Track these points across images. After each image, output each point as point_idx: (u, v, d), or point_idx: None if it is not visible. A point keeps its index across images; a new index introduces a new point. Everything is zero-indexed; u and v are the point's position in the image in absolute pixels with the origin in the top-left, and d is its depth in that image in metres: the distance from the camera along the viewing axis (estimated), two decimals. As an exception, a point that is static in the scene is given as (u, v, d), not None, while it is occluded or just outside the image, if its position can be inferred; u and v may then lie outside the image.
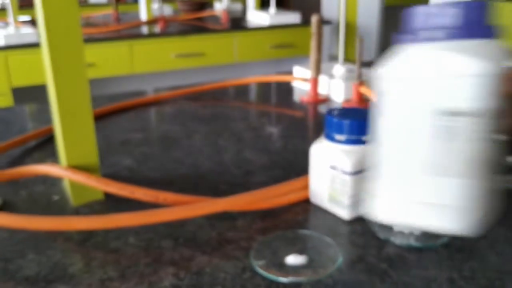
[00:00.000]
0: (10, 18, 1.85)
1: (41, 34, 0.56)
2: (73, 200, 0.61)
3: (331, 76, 1.10)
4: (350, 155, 0.54)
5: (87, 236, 0.54)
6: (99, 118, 0.96)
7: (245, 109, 1.04)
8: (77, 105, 0.57)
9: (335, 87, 1.06)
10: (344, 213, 0.55)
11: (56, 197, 0.63)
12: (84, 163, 0.60)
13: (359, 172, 0.53)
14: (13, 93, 1.86)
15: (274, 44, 2.25)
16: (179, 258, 0.50)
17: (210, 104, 1.08)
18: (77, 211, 0.59)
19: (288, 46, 2.28)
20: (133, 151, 0.78)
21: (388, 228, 0.53)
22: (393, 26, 2.88)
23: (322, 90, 1.10)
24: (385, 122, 0.39)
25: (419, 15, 0.35)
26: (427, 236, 0.52)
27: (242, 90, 1.18)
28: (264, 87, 1.22)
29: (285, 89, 1.19)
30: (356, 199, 0.55)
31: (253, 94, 1.16)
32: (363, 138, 0.54)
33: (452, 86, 0.32)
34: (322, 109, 1.02)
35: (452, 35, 0.33)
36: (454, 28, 0.33)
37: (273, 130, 0.89)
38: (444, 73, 0.33)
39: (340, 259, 0.48)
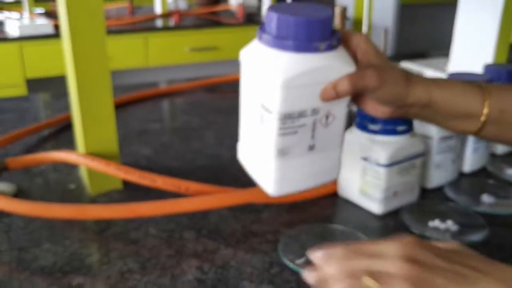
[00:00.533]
0: (26, 10, 1.84)
1: (63, 21, 0.53)
2: (90, 188, 0.58)
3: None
4: (384, 146, 0.51)
5: (105, 226, 0.51)
6: (116, 107, 0.93)
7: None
8: (98, 91, 0.55)
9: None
10: (376, 207, 0.52)
11: (72, 186, 0.61)
12: (103, 151, 0.57)
13: (394, 164, 0.50)
14: (28, 84, 1.84)
15: (290, 39, 2.22)
16: (203, 250, 0.47)
17: (228, 95, 1.05)
18: (94, 200, 0.57)
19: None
20: (151, 141, 0.76)
21: (422, 223, 0.50)
22: (409, 24, 2.83)
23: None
24: (242, 102, 0.44)
25: (270, 18, 0.38)
26: (464, 232, 0.49)
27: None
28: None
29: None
30: (390, 192, 0.52)
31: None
32: (399, 128, 0.51)
33: (264, 88, 0.39)
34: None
35: (280, 45, 0.38)
36: (281, 38, 0.38)
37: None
38: (260, 76, 0.39)
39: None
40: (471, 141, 0.61)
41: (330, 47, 0.39)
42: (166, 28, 2.09)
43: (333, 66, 0.39)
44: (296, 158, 0.41)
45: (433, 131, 0.56)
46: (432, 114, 0.42)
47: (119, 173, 0.53)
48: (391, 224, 0.51)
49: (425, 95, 0.41)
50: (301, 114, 0.39)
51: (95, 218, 0.50)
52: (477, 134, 0.43)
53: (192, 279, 0.43)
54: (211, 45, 2.12)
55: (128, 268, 0.44)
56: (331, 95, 0.39)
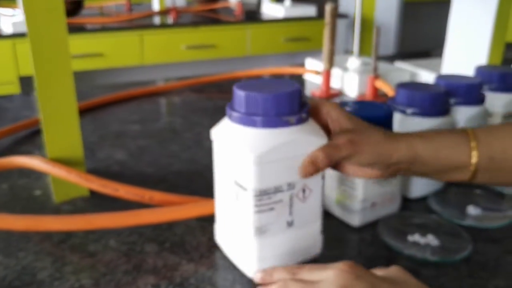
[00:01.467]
0: (19, 6, 1.82)
1: (25, 23, 0.50)
2: (55, 196, 0.56)
3: (345, 69, 1.03)
4: None
5: (65, 237, 0.48)
6: (96, 108, 0.91)
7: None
8: (60, 98, 0.52)
9: (349, 80, 1.00)
10: (353, 219, 0.49)
11: (38, 192, 0.58)
12: (67, 157, 0.54)
13: None
14: (21, 82, 1.82)
15: (289, 37, 2.18)
16: (162, 265, 0.44)
17: (216, 96, 1.02)
18: (58, 208, 0.54)
19: (303, 40, 2.21)
20: (128, 144, 0.73)
21: (401, 237, 0.47)
22: (412, 22, 2.78)
23: (335, 84, 1.03)
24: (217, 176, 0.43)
25: (237, 96, 0.39)
26: (446, 248, 0.46)
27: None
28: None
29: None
30: (367, 204, 0.49)
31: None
32: None
33: (237, 166, 0.39)
34: (334, 104, 0.95)
35: (250, 122, 0.38)
36: (250, 115, 0.38)
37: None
38: (232, 154, 0.39)
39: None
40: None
41: (300, 120, 0.39)
42: (162, 25, 2.06)
43: (305, 139, 0.39)
44: (275, 236, 0.40)
45: None
46: (421, 169, 0.41)
47: (80, 181, 0.50)
48: (368, 237, 0.48)
49: (410, 152, 0.40)
50: (277, 189, 0.39)
51: (47, 231, 0.47)
52: (471, 181, 0.42)
53: (146, 298, 0.40)
54: (209, 43, 2.09)
55: (80, 284, 0.42)
56: (310, 170, 0.39)
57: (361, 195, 0.48)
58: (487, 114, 0.61)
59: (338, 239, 0.48)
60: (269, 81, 0.41)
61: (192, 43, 2.06)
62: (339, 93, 1.00)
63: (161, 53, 2.02)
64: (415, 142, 0.40)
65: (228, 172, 0.41)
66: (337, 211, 0.51)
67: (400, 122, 0.53)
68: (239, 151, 0.38)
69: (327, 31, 0.96)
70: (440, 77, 0.60)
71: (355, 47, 1.06)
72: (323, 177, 0.42)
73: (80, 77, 1.94)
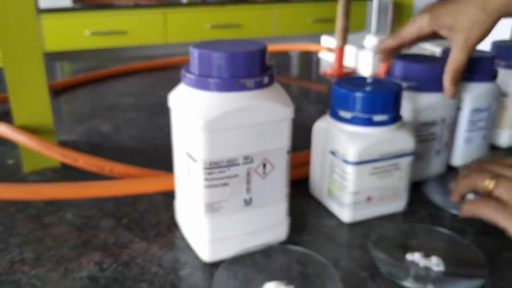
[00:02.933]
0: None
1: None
2: (24, 165, 0.53)
3: (360, 47, 0.96)
4: (354, 139, 0.41)
5: (23, 207, 0.45)
6: (95, 82, 0.88)
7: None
8: (26, 63, 0.49)
9: (363, 59, 0.93)
10: (343, 214, 0.43)
11: (11, 161, 0.56)
12: (35, 124, 0.51)
13: (365, 162, 0.41)
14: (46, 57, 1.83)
15: (316, 18, 2.10)
16: (113, 242, 0.40)
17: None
18: (25, 178, 0.52)
19: (331, 21, 2.13)
20: (116, 117, 0.70)
21: (396, 254, 0.39)
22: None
23: (349, 62, 0.97)
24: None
25: (192, 55, 0.34)
26: (449, 279, 0.37)
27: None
28: (288, 57, 1.10)
29: (310, 61, 1.07)
30: (360, 197, 0.42)
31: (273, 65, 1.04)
32: (376, 117, 0.41)
33: (188, 135, 0.35)
34: (347, 83, 0.89)
35: (203, 84, 0.34)
36: (204, 77, 0.34)
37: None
38: (184, 121, 0.35)
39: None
40: (462, 128, 0.51)
41: (260, 85, 0.34)
42: (187, 3, 2.03)
43: (264, 106, 0.34)
44: (229, 215, 0.36)
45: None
46: None
47: (41, 149, 0.47)
48: (357, 239, 0.41)
49: None
50: (231, 162, 0.35)
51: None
52: None
53: (85, 276, 0.36)
54: (234, 22, 2.05)
55: (21, 258, 0.38)
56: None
57: (352, 186, 0.41)
58: (500, 93, 0.54)
59: (326, 238, 0.43)
60: (233, 42, 0.37)
61: (217, 22, 2.02)
62: (353, 72, 0.94)
63: (185, 32, 1.99)
64: None
65: (182, 142, 0.37)
66: (329, 204, 0.45)
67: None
68: (190, 117, 0.34)
69: (340, 7, 0.89)
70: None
71: (373, 24, 0.99)
72: (288, 152, 0.37)
73: (103, 54, 1.94)
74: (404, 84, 0.47)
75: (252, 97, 0.34)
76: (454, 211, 0.44)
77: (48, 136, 0.52)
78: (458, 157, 0.53)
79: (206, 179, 0.34)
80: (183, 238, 0.41)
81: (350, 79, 0.43)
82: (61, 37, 1.83)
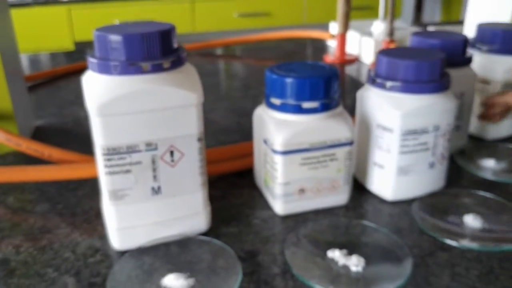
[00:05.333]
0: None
1: None
2: (-13, 149, 0.54)
3: (365, 33, 0.92)
4: (282, 127, 0.38)
5: (-28, 190, 0.47)
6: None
7: (255, 66, 0.92)
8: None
9: (365, 45, 0.89)
10: (276, 206, 0.41)
11: (-21, 145, 0.57)
12: (-5, 108, 0.52)
13: (293, 152, 0.38)
14: (76, 47, 1.88)
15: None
16: (39, 227, 0.40)
17: (219, 60, 0.97)
18: (-14, 162, 0.53)
19: (364, 8, 2.06)
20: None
21: (315, 262, 0.38)
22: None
23: (353, 49, 0.93)
24: None
25: (95, 37, 0.33)
26: (367, 281, 0.33)
27: (270, 47, 1.05)
28: (299, 45, 1.07)
29: (317, 48, 1.03)
30: (292, 189, 0.40)
31: (276, 52, 1.02)
32: (305, 105, 0.38)
33: (91, 120, 0.33)
34: (349, 71, 0.86)
35: (100, 68, 0.32)
36: (101, 59, 0.32)
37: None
38: (87, 106, 0.33)
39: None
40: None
41: (159, 68, 0.32)
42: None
43: (163, 90, 0.32)
44: (136, 203, 0.35)
45: (397, 119, 0.40)
46: None
47: (-13, 132, 0.48)
48: (283, 234, 0.39)
49: None
50: (132, 149, 0.33)
51: None
52: None
53: (-3, 259, 0.36)
54: (263, 10, 2.02)
55: None
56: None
57: (281, 177, 0.39)
58: (475, 79, 0.50)
59: (255, 231, 0.41)
60: (143, 24, 0.35)
61: (245, 11, 2.00)
62: (355, 59, 0.90)
63: (212, 21, 1.99)
64: None
65: (92, 129, 0.36)
66: (266, 195, 0.43)
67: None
68: (87, 102, 0.33)
69: (341, -11, 0.86)
70: (416, 34, 0.49)
71: (381, 8, 0.94)
72: (199, 140, 0.35)
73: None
74: (388, 84, 0.40)
75: (149, 81, 0.32)
76: (441, 238, 0.37)
77: (8, 120, 0.53)
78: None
79: (106, 166, 0.33)
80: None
81: (287, 64, 0.41)
82: (91, 26, 1.87)
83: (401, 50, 0.43)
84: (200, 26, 1.96)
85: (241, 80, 0.83)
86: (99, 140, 0.33)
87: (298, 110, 0.38)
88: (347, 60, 0.90)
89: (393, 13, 0.81)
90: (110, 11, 1.88)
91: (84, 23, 1.87)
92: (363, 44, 0.90)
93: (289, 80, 0.38)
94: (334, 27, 1.02)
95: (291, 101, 0.38)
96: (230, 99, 0.73)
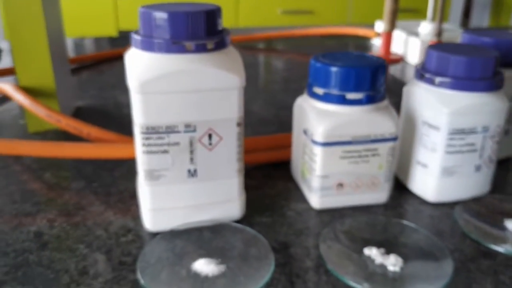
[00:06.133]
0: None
1: None
2: (28, 126, 0.55)
3: (413, 33, 0.89)
4: (324, 118, 0.37)
5: (12, 161, 0.47)
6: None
7: (296, 61, 0.90)
8: (28, 25, 0.50)
9: (411, 45, 0.87)
10: (312, 200, 0.40)
11: (22, 121, 0.58)
12: (37, 85, 0.53)
13: (335, 144, 0.37)
14: (120, 36, 1.91)
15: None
16: (73, 204, 0.41)
17: (263, 53, 0.96)
18: (28, 138, 0.54)
19: (413, 11, 2.01)
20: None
21: (357, 247, 0.37)
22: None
23: (398, 49, 0.91)
24: None
25: (140, 15, 0.33)
26: (406, 281, 0.32)
27: (312, 43, 1.04)
28: (338, 41, 1.05)
29: (361, 46, 1.01)
30: (330, 183, 0.38)
31: (318, 48, 1.00)
32: (350, 96, 0.37)
33: (132, 97, 0.33)
34: (393, 71, 0.83)
35: (145, 45, 0.32)
36: (146, 37, 0.32)
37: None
38: (128, 84, 0.33)
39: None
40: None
41: (203, 49, 0.32)
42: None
43: (206, 71, 0.32)
44: (171, 185, 0.35)
45: (444, 117, 0.38)
46: None
47: (31, 107, 0.48)
48: (318, 228, 0.38)
49: None
50: (171, 129, 0.33)
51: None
52: None
53: (32, 230, 0.37)
54: (307, 8, 2.00)
55: (-14, 208, 0.40)
56: None
57: (319, 169, 0.38)
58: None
59: (287, 225, 0.40)
60: (189, 4, 0.35)
61: (289, 8, 1.99)
62: (400, 59, 0.88)
63: (256, 16, 1.98)
64: None
65: (132, 106, 0.36)
66: (303, 188, 0.42)
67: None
68: (129, 80, 0.33)
69: (389, -14, 0.83)
70: (468, 31, 0.47)
71: (429, 9, 0.91)
72: (238, 125, 0.34)
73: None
74: (437, 80, 0.38)
75: (192, 61, 0.32)
76: (485, 243, 0.35)
77: (50, 98, 0.54)
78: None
79: (143, 145, 0.33)
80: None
81: (333, 54, 0.40)
82: (136, 16, 1.90)
83: (453, 45, 0.41)
84: (244, 21, 1.95)
85: (282, 74, 0.82)
86: (139, 118, 0.32)
87: (342, 100, 0.37)
88: (391, 60, 0.87)
89: (443, 13, 0.79)
90: (155, 2, 1.89)
91: (129, 12, 1.90)
92: (409, 44, 0.87)
93: (334, 69, 0.37)
94: (380, 26, 1.00)
95: (334, 91, 0.37)
96: (270, 92, 0.72)
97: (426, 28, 0.90)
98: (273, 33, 0.99)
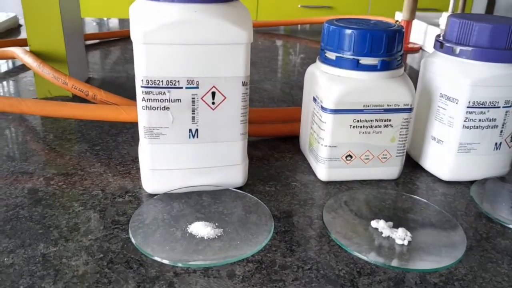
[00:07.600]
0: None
1: None
2: (37, 92, 0.54)
3: (433, 24, 0.87)
4: (335, 82, 0.35)
5: (15, 124, 0.46)
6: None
7: (314, 47, 0.89)
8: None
9: (431, 35, 0.84)
10: (319, 171, 0.38)
11: (31, 88, 0.57)
12: (48, 51, 0.52)
13: (346, 111, 0.35)
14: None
15: None
16: (73, 165, 0.39)
17: (281, 38, 0.94)
18: (33, 103, 0.53)
19: (433, 2, 1.97)
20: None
21: (366, 220, 0.35)
22: None
23: (418, 39, 0.88)
24: None
25: None
26: (415, 254, 0.31)
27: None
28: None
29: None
30: (338, 153, 0.36)
31: None
32: (363, 60, 0.35)
33: (135, 49, 0.31)
34: (410, 61, 0.81)
35: None
36: None
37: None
38: (133, 34, 0.31)
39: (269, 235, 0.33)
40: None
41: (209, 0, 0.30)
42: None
43: (211, 22, 0.30)
44: (172, 144, 0.33)
45: (464, 88, 0.36)
46: None
47: (38, 70, 0.47)
48: (323, 199, 0.37)
49: None
50: (171, 84, 0.31)
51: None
52: None
53: (27, 187, 0.35)
54: (326, 3, 1.97)
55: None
56: None
57: (328, 138, 0.36)
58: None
59: (290, 199, 0.38)
60: None
61: (308, 3, 1.96)
62: (419, 48, 0.85)
63: (275, 10, 1.96)
64: None
65: (135, 59, 0.34)
66: (309, 159, 0.40)
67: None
68: (133, 29, 0.31)
69: (413, -27, 0.81)
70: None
71: (451, 2, 0.88)
72: (244, 84, 0.33)
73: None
74: (458, 49, 0.36)
75: (198, 11, 0.30)
76: (505, 222, 0.33)
77: (61, 64, 0.53)
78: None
79: (143, 99, 0.32)
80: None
81: (349, 19, 0.38)
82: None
83: (476, 14, 0.39)
84: (263, 15, 1.94)
85: (299, 57, 0.80)
86: (141, 70, 0.31)
87: (355, 66, 0.35)
88: (410, 49, 0.85)
89: (465, 5, 0.76)
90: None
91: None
92: (429, 34, 0.85)
93: (348, 32, 0.35)
94: (400, 16, 0.97)
95: (348, 55, 0.35)
96: (285, 73, 0.70)
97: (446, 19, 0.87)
98: (292, 20, 0.98)
